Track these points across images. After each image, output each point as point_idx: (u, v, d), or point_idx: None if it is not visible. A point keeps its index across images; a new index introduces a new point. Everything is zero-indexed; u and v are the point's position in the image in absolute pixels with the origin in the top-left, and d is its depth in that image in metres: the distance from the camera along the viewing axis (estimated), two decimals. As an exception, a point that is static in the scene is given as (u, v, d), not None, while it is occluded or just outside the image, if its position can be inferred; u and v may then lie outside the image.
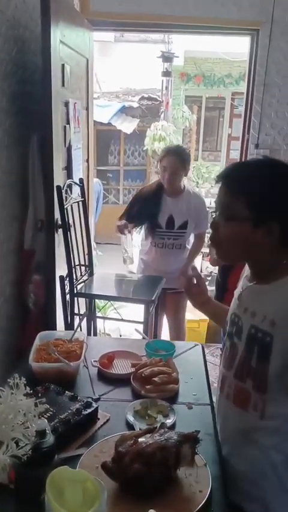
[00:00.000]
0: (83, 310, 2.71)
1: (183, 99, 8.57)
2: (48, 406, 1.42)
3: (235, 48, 6.51)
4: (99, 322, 3.07)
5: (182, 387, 1.64)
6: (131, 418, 1.44)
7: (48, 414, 1.37)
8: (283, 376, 1.07)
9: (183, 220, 2.81)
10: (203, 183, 7.96)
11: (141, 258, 3.02)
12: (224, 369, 1.28)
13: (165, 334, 3.42)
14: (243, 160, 3.63)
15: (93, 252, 4.93)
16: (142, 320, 2.42)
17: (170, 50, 7.18)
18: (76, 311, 2.50)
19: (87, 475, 0.93)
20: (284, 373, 1.07)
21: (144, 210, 2.82)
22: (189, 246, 2.95)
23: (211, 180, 8.25)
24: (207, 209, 3.14)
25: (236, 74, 8.31)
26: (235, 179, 1.10)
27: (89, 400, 1.48)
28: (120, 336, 4.20)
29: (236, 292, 1.26)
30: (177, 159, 2.73)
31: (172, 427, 1.41)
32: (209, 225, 1.16)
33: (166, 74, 7.09)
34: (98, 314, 3.10)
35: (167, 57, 6.86)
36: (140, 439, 1.23)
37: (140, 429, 1.37)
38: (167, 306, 3.03)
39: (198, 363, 1.86)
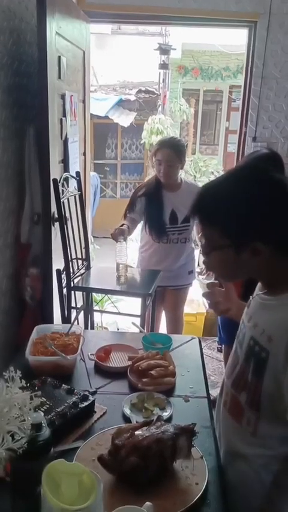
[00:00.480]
0: (80, 304, 2.70)
1: (181, 92, 8.53)
2: (45, 399, 1.42)
3: (233, 41, 6.49)
4: (96, 315, 3.07)
5: (179, 380, 1.64)
6: (127, 411, 1.44)
7: (44, 407, 1.38)
8: (274, 397, 1.01)
9: (186, 214, 2.78)
10: (201, 176, 7.94)
11: (141, 254, 2.98)
12: (226, 375, 1.24)
13: (163, 328, 3.42)
14: (237, 157, 3.63)
15: (91, 246, 4.92)
16: (139, 313, 2.42)
17: (168, 43, 7.14)
18: (73, 305, 2.50)
19: (83, 468, 0.92)
20: (274, 395, 1.01)
21: (147, 209, 2.76)
22: (193, 243, 2.92)
23: (209, 173, 8.24)
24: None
25: (233, 67, 8.28)
26: (204, 210, 1.05)
27: (86, 393, 1.48)
28: (118, 329, 4.21)
29: (251, 297, 1.20)
30: (171, 152, 2.66)
31: (169, 419, 1.41)
32: (200, 250, 1.14)
33: (163, 66, 7.03)
34: (95, 307, 3.10)
35: (164, 50, 6.80)
36: (137, 432, 1.23)
37: (136, 422, 1.37)
38: (166, 300, 3.02)
39: (195, 356, 1.86)
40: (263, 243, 0.99)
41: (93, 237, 5.85)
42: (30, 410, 0.81)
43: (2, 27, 2.16)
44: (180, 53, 7.76)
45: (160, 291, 2.96)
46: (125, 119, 7.62)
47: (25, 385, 0.88)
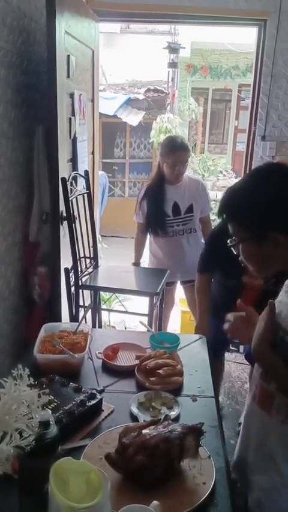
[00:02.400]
0: (87, 303, 2.71)
1: (190, 91, 8.51)
2: (53, 397, 1.42)
3: (242, 39, 6.47)
4: (104, 314, 3.08)
5: (187, 379, 1.64)
6: (135, 410, 1.44)
7: (52, 405, 1.38)
8: None
9: (189, 204, 2.82)
10: (209, 176, 7.92)
11: (150, 253, 3.02)
12: (254, 368, 1.25)
13: (171, 326, 3.42)
14: (248, 157, 3.61)
15: (99, 245, 4.92)
16: (147, 312, 2.42)
17: (177, 42, 7.12)
18: (81, 303, 2.50)
19: (90, 466, 0.93)
20: None
21: (150, 207, 2.84)
22: (200, 232, 2.93)
23: (217, 173, 8.21)
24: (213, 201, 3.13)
25: (243, 65, 8.24)
26: (225, 206, 1.14)
27: (93, 391, 1.48)
28: (125, 328, 4.21)
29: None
30: (184, 153, 2.77)
31: (176, 419, 1.41)
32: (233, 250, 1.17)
33: (172, 65, 7.02)
34: (103, 306, 3.10)
35: (173, 48, 6.78)
36: (144, 431, 1.23)
37: (144, 421, 1.37)
38: (185, 297, 3.08)
39: (203, 355, 1.86)
40: (280, 233, 1.04)
41: (101, 236, 5.86)
42: (38, 408, 0.81)
43: (12, 27, 2.17)
44: (189, 52, 7.75)
45: (171, 288, 2.99)
46: (133, 118, 7.61)
47: (33, 383, 0.88)
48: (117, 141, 8.56)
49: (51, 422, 0.95)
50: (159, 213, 2.80)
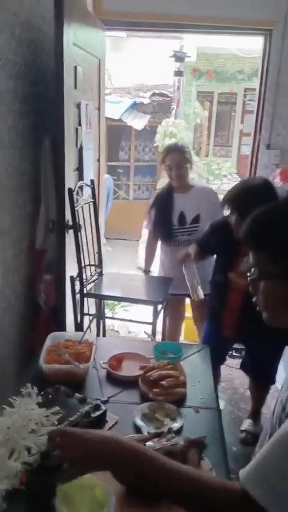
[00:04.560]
0: (92, 309, 2.74)
1: (195, 95, 8.54)
2: (58, 408, 1.45)
3: (248, 44, 6.49)
4: (108, 319, 3.11)
5: (189, 390, 1.67)
6: (138, 421, 1.47)
7: (57, 416, 1.41)
8: None
9: (195, 215, 2.81)
10: (214, 179, 7.94)
11: (160, 261, 3.04)
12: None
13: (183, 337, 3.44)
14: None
15: (103, 248, 4.95)
16: (151, 320, 2.45)
17: (183, 46, 7.15)
18: (86, 310, 2.54)
19: (95, 481, 0.96)
20: None
21: (157, 214, 2.87)
22: None
23: (222, 176, 8.24)
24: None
25: (248, 70, 8.26)
26: (254, 235, 0.97)
27: (98, 402, 1.51)
28: (129, 332, 4.25)
29: None
30: (178, 154, 2.78)
31: (179, 430, 1.43)
32: (249, 286, 0.99)
33: (178, 73, 7.07)
34: (108, 312, 3.13)
35: (179, 57, 6.84)
36: (148, 443, 1.26)
37: (147, 432, 1.40)
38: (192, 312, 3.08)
39: (206, 365, 1.89)
40: None
41: (106, 238, 5.90)
42: (45, 428, 0.84)
43: (20, 39, 2.20)
44: (195, 56, 7.77)
45: (179, 300, 2.98)
46: (138, 122, 7.65)
47: (40, 393, 0.91)
48: (123, 144, 8.61)
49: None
50: (165, 221, 2.82)
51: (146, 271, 3.10)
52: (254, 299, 0.97)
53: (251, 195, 2.00)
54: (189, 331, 3.56)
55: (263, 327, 1.00)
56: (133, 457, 0.85)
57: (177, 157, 2.77)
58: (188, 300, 3.04)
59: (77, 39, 2.45)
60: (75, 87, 2.48)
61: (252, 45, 6.03)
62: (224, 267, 2.27)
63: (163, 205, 2.85)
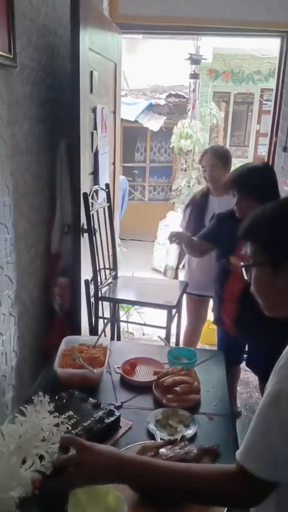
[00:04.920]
0: (107, 312, 2.75)
1: (211, 96, 8.50)
2: (72, 413, 1.47)
3: (264, 44, 6.43)
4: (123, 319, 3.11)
5: (203, 397, 1.67)
6: (152, 428, 1.47)
7: (72, 421, 1.42)
8: None
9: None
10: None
11: (187, 261, 3.04)
12: None
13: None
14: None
15: (118, 249, 4.96)
16: (165, 324, 2.45)
17: (199, 47, 7.13)
18: (100, 314, 2.55)
19: (108, 488, 0.96)
20: None
21: (192, 213, 2.88)
22: None
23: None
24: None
25: (265, 70, 8.18)
26: (251, 228, 1.06)
27: (112, 407, 1.52)
28: (144, 334, 4.26)
29: None
30: (214, 156, 2.77)
31: (193, 437, 1.43)
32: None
33: (194, 76, 7.04)
34: (123, 315, 3.14)
35: (195, 60, 6.81)
36: (161, 450, 1.26)
37: (161, 439, 1.40)
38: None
39: (220, 371, 1.88)
40: None
41: (121, 239, 5.91)
42: (57, 437, 0.85)
43: (37, 44, 2.22)
44: (212, 57, 7.74)
45: (203, 301, 2.98)
46: (154, 123, 7.65)
47: (54, 398, 0.92)
48: (138, 146, 8.61)
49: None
50: (196, 221, 2.82)
51: (175, 268, 3.10)
52: (251, 288, 1.05)
53: (250, 175, 2.07)
54: (205, 334, 3.55)
55: (263, 318, 1.06)
56: (136, 470, 0.92)
57: (212, 159, 2.77)
58: (211, 302, 3.04)
59: (93, 44, 2.46)
60: (91, 91, 2.49)
61: (269, 45, 5.98)
62: (227, 251, 2.25)
63: (198, 205, 2.87)
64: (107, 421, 1.44)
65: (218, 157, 2.77)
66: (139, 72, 7.85)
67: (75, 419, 1.43)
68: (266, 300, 1.03)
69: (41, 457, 0.89)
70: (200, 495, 0.93)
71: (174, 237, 2.54)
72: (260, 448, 0.86)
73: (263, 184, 2.05)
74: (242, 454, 0.89)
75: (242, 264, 1.08)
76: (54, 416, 1.18)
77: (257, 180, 2.07)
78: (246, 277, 1.07)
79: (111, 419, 1.45)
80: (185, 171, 7.59)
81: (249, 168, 2.16)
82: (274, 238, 1.00)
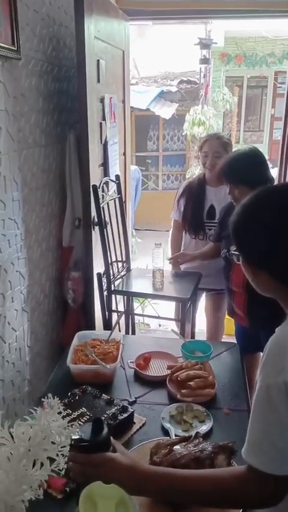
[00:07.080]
0: (121, 305, 2.73)
1: (224, 81, 8.34)
2: (85, 410, 1.45)
3: (277, 25, 6.27)
4: (137, 311, 3.07)
5: (219, 391, 1.63)
6: (166, 424, 1.45)
7: (84, 418, 1.41)
8: None
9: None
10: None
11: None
12: None
13: (198, 327, 3.36)
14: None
15: (132, 239, 4.92)
16: (179, 317, 2.41)
17: (210, 31, 6.97)
18: (114, 307, 2.53)
19: (120, 491, 0.94)
20: None
21: (187, 204, 2.79)
22: None
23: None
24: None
25: (279, 52, 7.99)
26: (230, 225, 1.08)
27: (125, 404, 1.50)
28: (160, 325, 4.24)
29: None
30: (217, 143, 2.68)
31: (208, 433, 1.41)
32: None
33: (204, 61, 6.86)
34: (137, 307, 3.11)
35: (205, 44, 6.63)
36: (175, 447, 1.24)
37: (175, 435, 1.38)
38: (206, 304, 3.00)
39: (236, 364, 1.85)
40: (268, 272, 0.96)
41: (135, 229, 5.87)
42: (66, 440, 0.83)
43: (42, 35, 2.18)
44: (223, 41, 7.57)
45: (219, 296, 2.86)
46: (166, 111, 7.55)
47: (62, 411, 0.90)
48: (150, 134, 8.53)
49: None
50: (193, 212, 2.74)
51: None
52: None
53: (235, 162, 2.09)
54: (228, 325, 3.46)
55: (273, 306, 1.04)
56: (154, 485, 0.93)
57: (216, 145, 2.67)
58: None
59: (99, 32, 2.41)
60: (98, 81, 2.44)
61: (282, 26, 5.83)
62: (229, 242, 2.19)
63: (193, 196, 2.77)
64: (120, 417, 1.42)
65: (223, 144, 2.69)
66: (150, 59, 7.73)
67: (88, 416, 1.42)
68: (255, 284, 1.04)
69: (52, 460, 0.87)
70: (215, 503, 0.96)
71: (177, 263, 2.67)
72: (263, 444, 0.88)
73: (250, 168, 2.04)
74: (246, 452, 0.90)
75: (232, 251, 1.11)
76: (66, 415, 1.16)
77: (242, 165, 2.07)
78: (236, 260, 1.08)
79: (125, 415, 1.43)
80: (199, 158, 7.49)
81: (234, 155, 2.17)
82: (246, 244, 1.02)
